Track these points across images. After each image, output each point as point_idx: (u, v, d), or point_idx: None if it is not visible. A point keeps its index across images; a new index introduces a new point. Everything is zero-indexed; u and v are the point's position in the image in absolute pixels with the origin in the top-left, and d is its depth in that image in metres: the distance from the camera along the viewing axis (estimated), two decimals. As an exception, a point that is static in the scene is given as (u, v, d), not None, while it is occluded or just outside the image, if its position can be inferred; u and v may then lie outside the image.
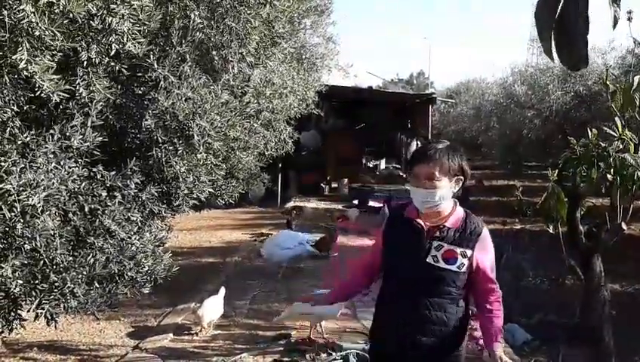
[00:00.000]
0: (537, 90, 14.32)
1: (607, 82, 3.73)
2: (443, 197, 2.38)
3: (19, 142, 2.96)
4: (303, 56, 7.52)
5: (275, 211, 11.08)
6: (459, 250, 2.36)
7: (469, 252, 2.37)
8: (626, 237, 3.76)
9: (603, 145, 3.57)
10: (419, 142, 15.30)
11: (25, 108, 3.06)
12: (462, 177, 2.43)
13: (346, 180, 13.87)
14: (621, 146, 3.56)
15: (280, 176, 11.63)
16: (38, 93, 2.81)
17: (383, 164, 17.00)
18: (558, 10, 1.10)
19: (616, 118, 3.58)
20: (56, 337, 4.74)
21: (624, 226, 3.71)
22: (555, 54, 1.12)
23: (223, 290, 4.91)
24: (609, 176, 3.51)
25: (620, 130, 3.53)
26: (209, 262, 7.46)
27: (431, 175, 2.36)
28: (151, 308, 5.50)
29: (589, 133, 3.62)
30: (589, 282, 3.92)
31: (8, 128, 2.85)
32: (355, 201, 11.41)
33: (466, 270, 2.38)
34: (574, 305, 5.66)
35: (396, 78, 51.45)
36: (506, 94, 16.84)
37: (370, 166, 16.54)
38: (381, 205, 9.51)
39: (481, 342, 4.47)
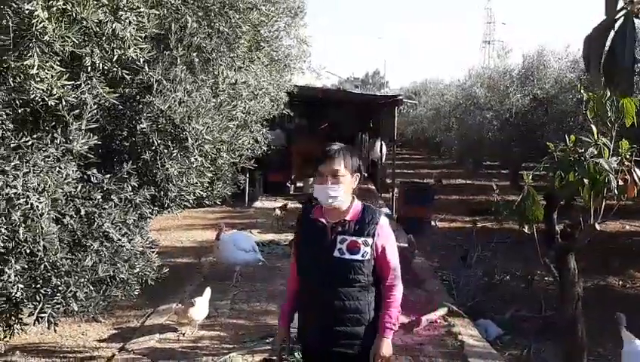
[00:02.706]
0: (497, 92, 14.73)
1: (582, 91, 3.97)
2: (345, 192, 2.60)
3: (13, 146, 2.94)
4: (276, 58, 7.56)
5: (244, 210, 11.10)
6: (360, 240, 2.55)
7: (369, 240, 2.56)
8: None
9: (580, 151, 3.78)
10: (383, 143, 15.56)
11: (19, 111, 3.05)
12: (358, 174, 2.68)
13: (311, 179, 13.93)
14: (596, 152, 3.77)
15: (247, 175, 11.60)
16: (33, 96, 2.83)
17: (346, 164, 17.16)
18: (607, 43, 1.25)
19: (592, 125, 3.80)
20: (38, 340, 4.68)
21: (597, 227, 3.92)
22: (603, 81, 1.27)
23: (208, 291, 4.94)
24: (585, 181, 3.72)
25: (596, 136, 3.75)
26: (184, 262, 7.42)
27: (335, 171, 2.58)
28: (131, 309, 5.47)
29: (567, 140, 3.83)
30: (563, 279, 4.14)
31: (6, 132, 2.85)
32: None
33: (371, 257, 2.56)
34: (544, 301, 5.95)
35: (352, 76, 51.92)
36: (464, 96, 17.25)
37: (334, 165, 16.69)
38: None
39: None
